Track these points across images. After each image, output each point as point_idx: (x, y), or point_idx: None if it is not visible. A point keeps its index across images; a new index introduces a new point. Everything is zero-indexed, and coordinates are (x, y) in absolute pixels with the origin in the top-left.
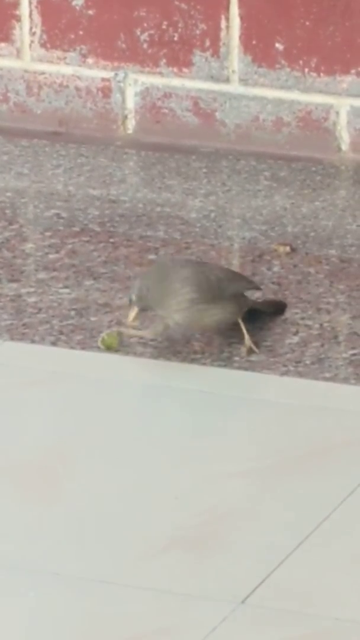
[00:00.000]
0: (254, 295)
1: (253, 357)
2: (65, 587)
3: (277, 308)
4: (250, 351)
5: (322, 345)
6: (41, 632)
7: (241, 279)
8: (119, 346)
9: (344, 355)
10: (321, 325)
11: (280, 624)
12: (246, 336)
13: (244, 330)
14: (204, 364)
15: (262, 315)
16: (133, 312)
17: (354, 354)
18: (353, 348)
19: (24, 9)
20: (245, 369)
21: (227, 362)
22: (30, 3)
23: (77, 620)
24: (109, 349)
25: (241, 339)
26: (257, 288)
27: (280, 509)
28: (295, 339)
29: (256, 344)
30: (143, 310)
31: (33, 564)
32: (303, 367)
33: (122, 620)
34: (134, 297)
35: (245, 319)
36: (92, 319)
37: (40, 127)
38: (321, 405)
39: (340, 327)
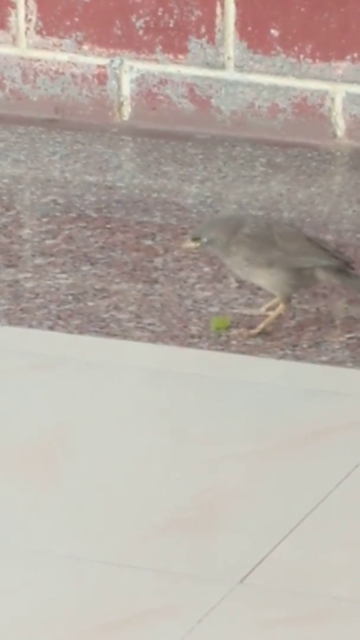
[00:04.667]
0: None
1: (250, 341)
2: (65, 567)
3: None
4: (249, 335)
5: (319, 329)
6: (41, 612)
7: (316, 254)
8: (228, 329)
9: (341, 338)
10: (318, 309)
11: (278, 603)
12: (262, 324)
13: (271, 317)
14: (202, 347)
15: None
16: (190, 245)
17: (350, 338)
18: (349, 332)
19: None
20: (243, 352)
21: (225, 346)
22: None
23: (76, 600)
24: (218, 329)
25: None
26: (340, 266)
27: (278, 490)
28: (292, 322)
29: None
30: (205, 249)
31: (33, 545)
32: (300, 351)
33: (121, 600)
34: (205, 240)
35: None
36: (90, 303)
37: (36, 114)
38: (318, 389)
39: (336, 311)
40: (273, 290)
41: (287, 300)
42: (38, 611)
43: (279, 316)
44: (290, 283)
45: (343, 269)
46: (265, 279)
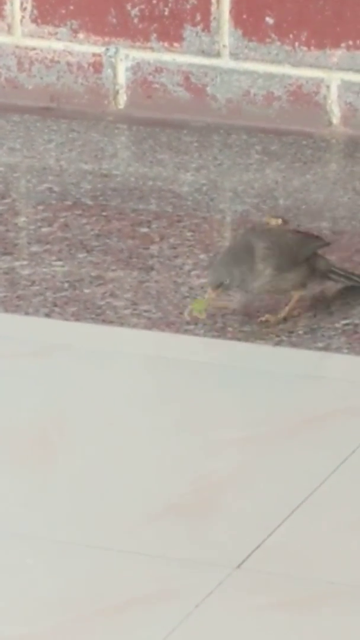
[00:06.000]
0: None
1: (246, 328)
2: (62, 553)
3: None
4: (277, 321)
5: (315, 315)
6: (38, 597)
7: (312, 240)
8: (205, 314)
9: (337, 325)
10: (313, 295)
11: (275, 588)
12: (288, 307)
13: (292, 301)
14: (197, 334)
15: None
16: (213, 295)
17: (346, 324)
18: (345, 318)
19: None
20: (239, 339)
21: (221, 333)
22: None
23: (73, 585)
24: (197, 312)
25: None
26: (327, 244)
27: (274, 476)
28: (288, 309)
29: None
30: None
31: (30, 531)
32: (296, 337)
33: (117, 586)
34: (227, 282)
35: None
36: (86, 291)
37: (32, 103)
38: (314, 375)
39: (332, 297)
40: (299, 285)
41: (303, 286)
42: (35, 596)
43: (300, 299)
44: (305, 274)
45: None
46: (291, 279)
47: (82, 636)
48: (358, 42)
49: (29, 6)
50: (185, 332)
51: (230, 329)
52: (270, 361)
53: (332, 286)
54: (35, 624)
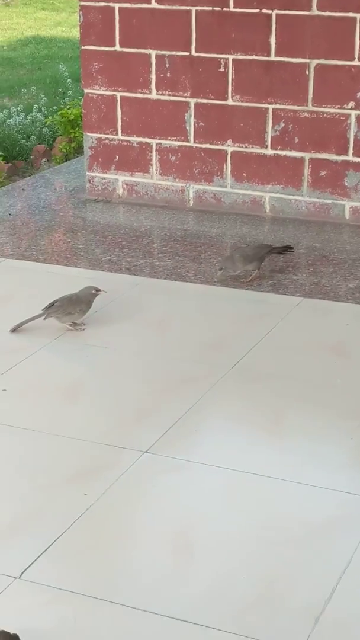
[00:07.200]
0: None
1: (236, 284)
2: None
3: (287, 249)
4: (254, 279)
5: (260, 282)
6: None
7: (265, 247)
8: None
9: (268, 282)
10: (262, 273)
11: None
12: (251, 277)
13: (253, 275)
14: (220, 286)
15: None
16: (220, 272)
17: (273, 283)
18: (272, 280)
19: None
20: (233, 287)
21: (227, 285)
22: None
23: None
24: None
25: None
26: (273, 247)
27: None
28: (251, 278)
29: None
30: (226, 273)
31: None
32: (255, 288)
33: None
34: (223, 268)
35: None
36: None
37: None
38: (261, 300)
39: (268, 274)
40: (255, 268)
41: (258, 268)
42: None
43: (257, 276)
44: (259, 266)
45: (282, 250)
46: (251, 266)
47: None
48: None
49: None
50: (209, 283)
51: (230, 285)
52: (245, 295)
53: (266, 265)
54: None
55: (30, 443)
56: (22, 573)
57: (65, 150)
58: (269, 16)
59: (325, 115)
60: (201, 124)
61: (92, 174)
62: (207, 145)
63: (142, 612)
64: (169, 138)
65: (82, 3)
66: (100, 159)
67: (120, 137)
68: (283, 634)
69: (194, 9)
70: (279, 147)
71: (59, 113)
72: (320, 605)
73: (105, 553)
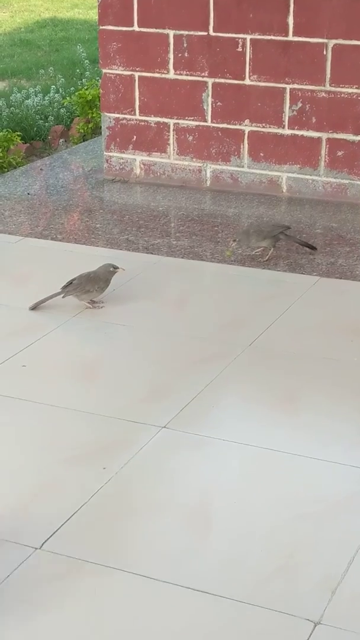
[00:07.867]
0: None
1: (252, 263)
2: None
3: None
4: (270, 258)
5: (275, 261)
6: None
7: (281, 227)
8: (231, 256)
9: (284, 262)
10: (276, 253)
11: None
12: (268, 255)
13: (269, 253)
14: (230, 263)
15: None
16: (233, 244)
17: (289, 263)
18: (289, 261)
19: None
20: (249, 266)
21: (238, 263)
22: None
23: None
24: (228, 255)
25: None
26: (287, 227)
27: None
28: (267, 256)
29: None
30: (239, 246)
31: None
32: (271, 266)
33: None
34: (237, 240)
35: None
36: None
37: None
38: (278, 279)
39: (285, 254)
40: (268, 245)
41: (273, 246)
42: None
43: (273, 255)
44: (273, 244)
45: (304, 244)
46: (267, 243)
47: None
48: None
49: None
50: (226, 262)
51: (247, 264)
52: (262, 275)
53: (283, 245)
54: None
55: (49, 418)
56: (43, 544)
57: (82, 131)
58: None
59: (342, 95)
60: (219, 103)
61: (110, 154)
62: (225, 125)
63: (160, 583)
64: (187, 118)
65: None
66: (117, 139)
67: (137, 117)
68: (299, 606)
69: None
70: (296, 127)
71: (76, 94)
72: (337, 578)
73: (123, 525)
